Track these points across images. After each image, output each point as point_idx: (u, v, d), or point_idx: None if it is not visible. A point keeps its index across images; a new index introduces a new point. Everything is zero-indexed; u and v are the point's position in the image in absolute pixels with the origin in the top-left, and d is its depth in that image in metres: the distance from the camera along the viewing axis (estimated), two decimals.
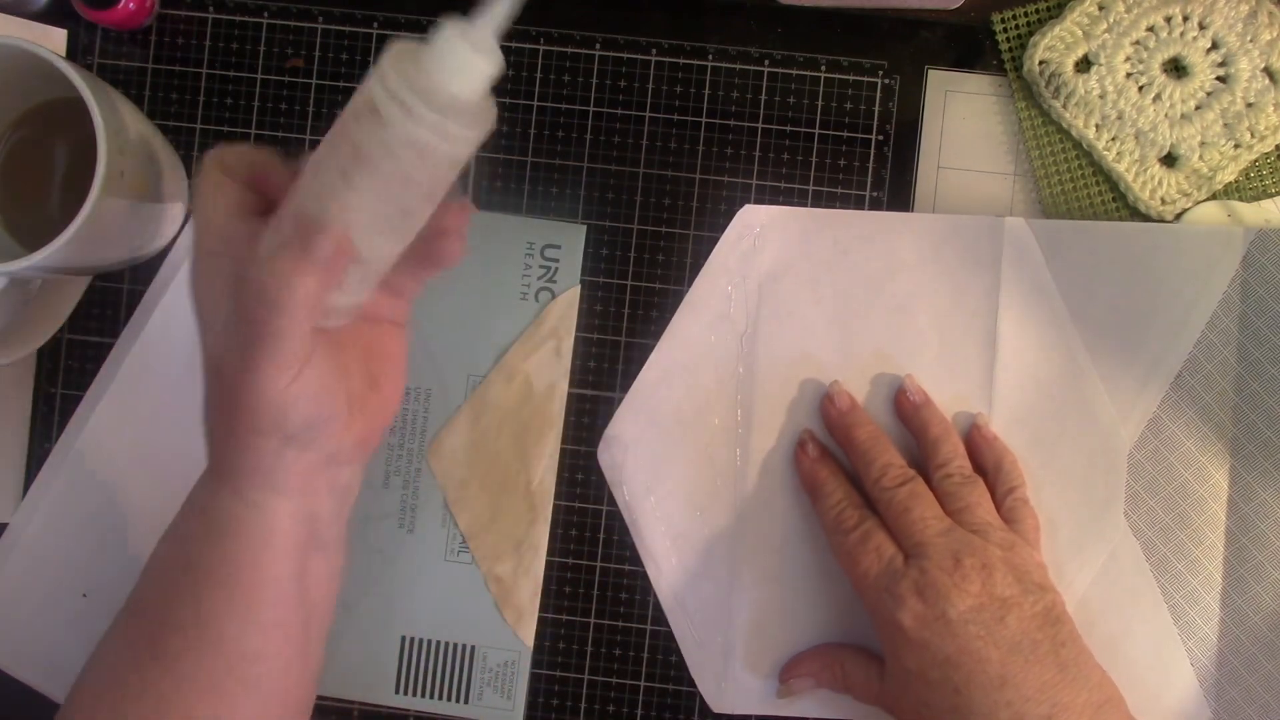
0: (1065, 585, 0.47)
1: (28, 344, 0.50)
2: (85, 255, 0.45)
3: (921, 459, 0.47)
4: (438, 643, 0.48)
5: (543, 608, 0.50)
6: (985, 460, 0.47)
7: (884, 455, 0.45)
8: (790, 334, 0.49)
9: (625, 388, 0.50)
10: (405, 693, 0.48)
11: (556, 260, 0.49)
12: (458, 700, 0.48)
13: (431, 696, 0.48)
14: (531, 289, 0.48)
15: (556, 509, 0.50)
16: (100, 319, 0.51)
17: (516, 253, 0.49)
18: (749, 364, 0.49)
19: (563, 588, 0.50)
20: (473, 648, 0.48)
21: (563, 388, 0.48)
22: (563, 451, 0.50)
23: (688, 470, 0.49)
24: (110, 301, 0.51)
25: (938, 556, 0.41)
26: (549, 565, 0.50)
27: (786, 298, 0.49)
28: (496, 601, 0.48)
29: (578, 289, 0.49)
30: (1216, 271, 0.48)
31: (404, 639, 0.48)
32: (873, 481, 0.45)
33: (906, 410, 0.48)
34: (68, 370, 0.51)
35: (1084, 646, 0.42)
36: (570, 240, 0.49)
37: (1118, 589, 0.48)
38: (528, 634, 0.48)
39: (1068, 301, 0.48)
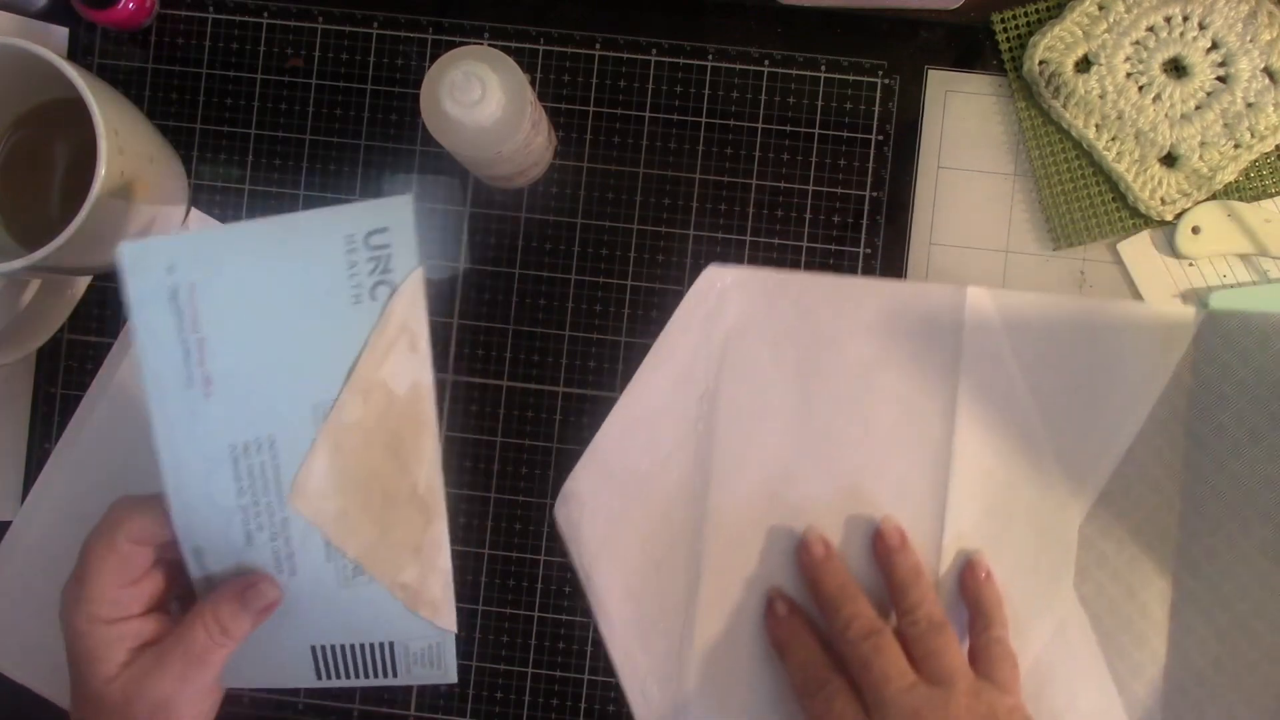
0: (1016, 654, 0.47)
1: (28, 344, 0.50)
2: (85, 255, 0.45)
3: (890, 602, 0.46)
4: (352, 645, 0.45)
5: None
6: (968, 597, 0.47)
7: (849, 606, 0.44)
8: (751, 394, 0.49)
9: (622, 387, 0.50)
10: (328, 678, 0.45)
11: (387, 246, 0.40)
12: (386, 676, 0.45)
13: (356, 676, 0.45)
14: (364, 288, 0.40)
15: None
16: (100, 319, 0.51)
17: (333, 252, 0.40)
18: (709, 423, 0.49)
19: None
20: (391, 644, 0.45)
21: (428, 382, 0.41)
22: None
23: (644, 527, 0.49)
24: (110, 301, 0.51)
25: (897, 716, 0.41)
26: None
27: (748, 358, 0.49)
28: (407, 604, 0.44)
29: (420, 271, 0.40)
30: (1169, 349, 0.48)
31: (315, 649, 0.45)
32: (838, 633, 0.44)
33: (881, 554, 0.47)
34: (68, 370, 0.51)
35: None
36: (396, 217, 0.40)
37: (1065, 660, 0.48)
38: (448, 621, 0.45)
39: (1025, 373, 0.48)
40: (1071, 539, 0.48)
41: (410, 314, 0.40)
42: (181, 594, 0.41)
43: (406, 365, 0.41)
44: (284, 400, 0.40)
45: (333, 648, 0.44)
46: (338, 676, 0.45)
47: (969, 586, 0.47)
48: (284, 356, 0.40)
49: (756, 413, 0.49)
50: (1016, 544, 0.48)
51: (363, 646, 0.44)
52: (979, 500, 0.48)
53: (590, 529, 0.48)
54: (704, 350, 0.49)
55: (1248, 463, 0.48)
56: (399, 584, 0.43)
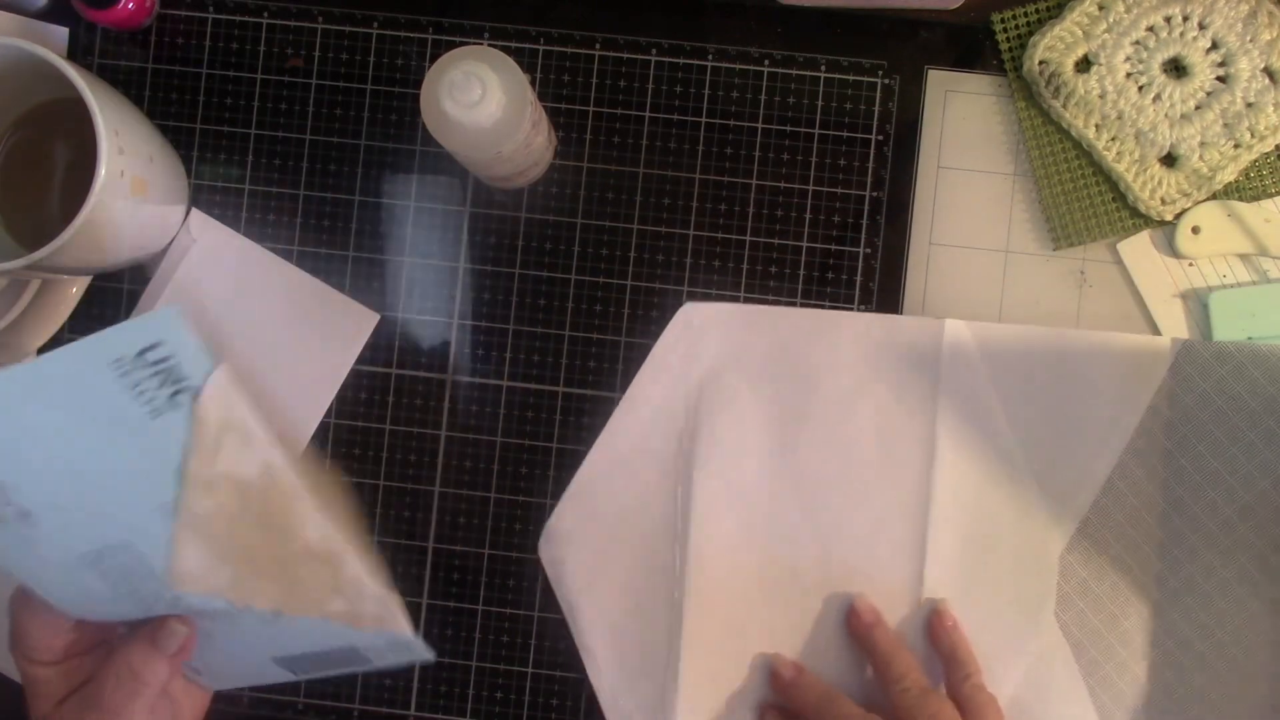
0: (996, 685, 0.47)
1: (28, 344, 0.50)
2: (85, 255, 0.45)
3: (876, 675, 0.47)
4: (313, 652, 0.44)
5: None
6: (940, 647, 0.47)
7: (834, 708, 0.45)
8: (730, 431, 0.49)
9: (622, 387, 0.50)
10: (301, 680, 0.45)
11: (167, 358, 0.36)
12: (361, 666, 0.45)
13: (331, 671, 0.45)
14: (159, 400, 0.37)
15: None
16: (100, 319, 0.51)
17: (102, 380, 0.36)
18: (689, 460, 0.49)
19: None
20: (352, 646, 0.44)
21: (279, 460, 0.40)
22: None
23: (628, 566, 0.49)
24: (110, 301, 0.51)
25: None
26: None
27: (726, 395, 0.49)
28: (349, 625, 0.43)
29: (220, 372, 0.38)
30: (1146, 380, 0.48)
31: (277, 659, 0.44)
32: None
33: (858, 630, 0.48)
34: None
35: None
36: (166, 330, 0.36)
37: (1048, 690, 0.48)
38: (400, 628, 0.43)
39: (1004, 404, 0.48)
40: (1053, 567, 0.48)
41: (227, 412, 0.38)
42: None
43: (247, 455, 0.39)
44: (121, 510, 0.39)
45: (295, 656, 0.44)
46: (313, 672, 0.45)
47: (941, 637, 0.47)
48: (101, 477, 0.38)
49: (736, 450, 0.49)
50: (998, 573, 0.48)
51: (324, 652, 0.44)
52: (960, 530, 0.48)
53: (574, 567, 0.49)
54: (682, 388, 0.49)
55: (1225, 491, 0.48)
56: (330, 613, 0.42)
